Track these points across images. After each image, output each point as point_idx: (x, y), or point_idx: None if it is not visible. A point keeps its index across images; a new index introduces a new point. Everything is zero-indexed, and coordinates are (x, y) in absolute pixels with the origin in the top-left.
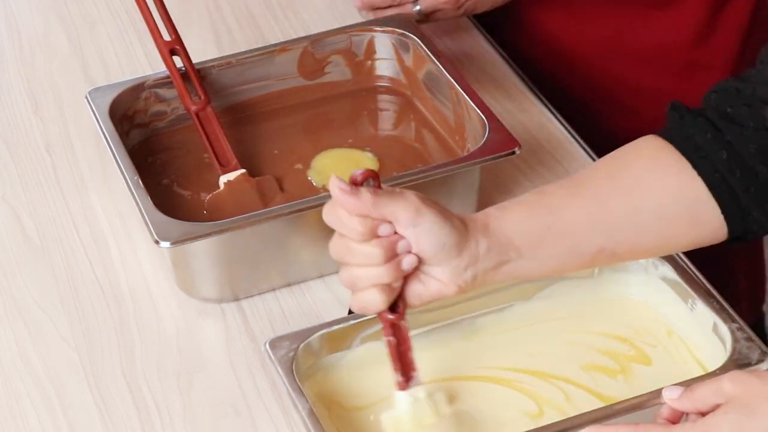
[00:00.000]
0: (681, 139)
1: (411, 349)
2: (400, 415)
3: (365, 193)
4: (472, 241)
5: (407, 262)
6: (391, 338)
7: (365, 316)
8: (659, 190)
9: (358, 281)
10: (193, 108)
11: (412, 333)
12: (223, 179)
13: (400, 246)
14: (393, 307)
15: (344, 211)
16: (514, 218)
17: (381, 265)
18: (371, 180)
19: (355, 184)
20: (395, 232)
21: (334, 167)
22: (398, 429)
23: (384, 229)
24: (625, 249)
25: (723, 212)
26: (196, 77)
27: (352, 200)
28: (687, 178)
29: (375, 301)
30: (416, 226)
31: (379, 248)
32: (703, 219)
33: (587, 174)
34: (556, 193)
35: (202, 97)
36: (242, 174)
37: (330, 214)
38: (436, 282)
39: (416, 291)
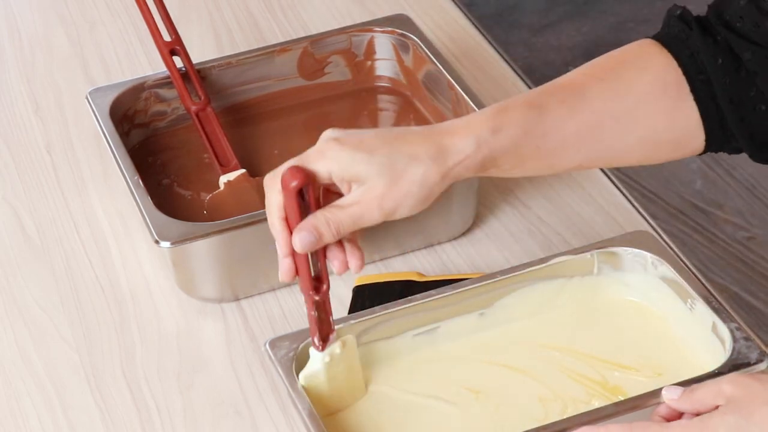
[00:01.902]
0: (685, 57)
1: (331, 314)
2: (316, 370)
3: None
4: (448, 180)
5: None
6: (314, 313)
7: (366, 316)
8: (656, 115)
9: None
10: (193, 108)
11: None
12: (223, 179)
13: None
14: (317, 288)
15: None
16: (508, 141)
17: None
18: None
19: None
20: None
21: None
22: (315, 384)
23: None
24: (603, 164)
25: (707, 140)
26: (196, 77)
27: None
28: (684, 105)
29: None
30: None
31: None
32: (687, 143)
33: (589, 86)
34: (557, 110)
35: (202, 98)
36: (242, 174)
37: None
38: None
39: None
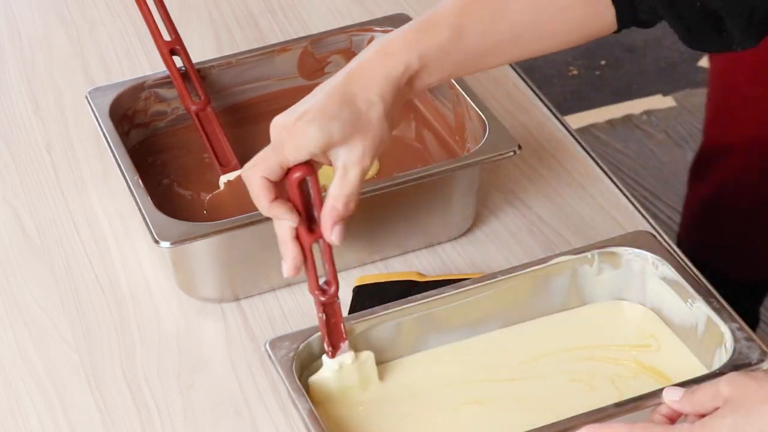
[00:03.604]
0: None
1: (342, 322)
2: (324, 377)
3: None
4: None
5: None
6: (322, 315)
7: (366, 316)
8: (572, 22)
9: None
10: (193, 108)
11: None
12: (224, 179)
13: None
14: (323, 290)
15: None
16: (436, 77)
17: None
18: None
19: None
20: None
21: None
22: (324, 391)
23: None
24: (524, 57)
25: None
26: (196, 77)
27: None
28: (600, 8)
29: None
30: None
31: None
32: (598, 16)
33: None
34: (476, 30)
35: (202, 97)
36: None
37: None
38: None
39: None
